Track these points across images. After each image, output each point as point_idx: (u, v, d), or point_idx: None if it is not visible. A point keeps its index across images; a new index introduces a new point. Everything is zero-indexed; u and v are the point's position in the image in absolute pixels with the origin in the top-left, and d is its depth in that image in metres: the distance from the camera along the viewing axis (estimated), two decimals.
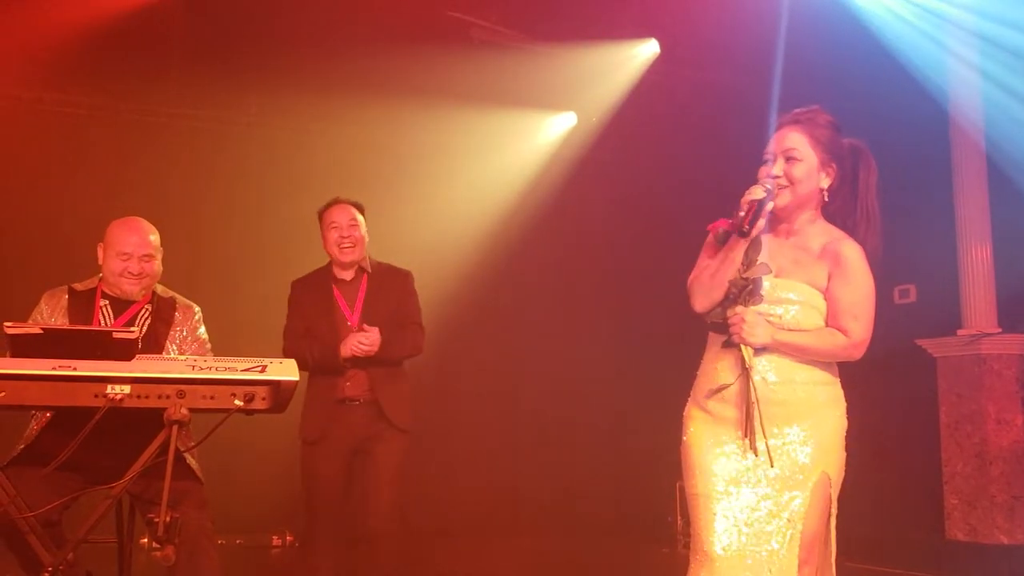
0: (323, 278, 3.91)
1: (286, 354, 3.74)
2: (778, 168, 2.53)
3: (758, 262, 2.47)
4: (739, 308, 2.45)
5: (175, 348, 3.25)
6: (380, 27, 6.16)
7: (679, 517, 6.40)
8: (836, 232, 2.56)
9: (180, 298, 3.38)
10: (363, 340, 3.66)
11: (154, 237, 3.30)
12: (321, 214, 3.92)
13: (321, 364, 3.72)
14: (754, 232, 2.47)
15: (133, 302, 3.26)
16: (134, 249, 3.22)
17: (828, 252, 2.52)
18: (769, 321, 2.45)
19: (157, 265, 3.29)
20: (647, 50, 6.76)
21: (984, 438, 5.56)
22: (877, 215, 2.56)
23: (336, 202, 3.90)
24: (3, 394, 2.36)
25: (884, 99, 5.68)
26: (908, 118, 5.64)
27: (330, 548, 3.74)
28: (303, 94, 6.55)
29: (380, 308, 3.82)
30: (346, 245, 3.80)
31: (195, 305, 3.40)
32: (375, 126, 6.97)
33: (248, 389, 2.48)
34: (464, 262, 6.85)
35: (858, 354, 2.50)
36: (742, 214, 2.47)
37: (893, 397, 5.89)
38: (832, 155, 2.53)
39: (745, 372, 2.44)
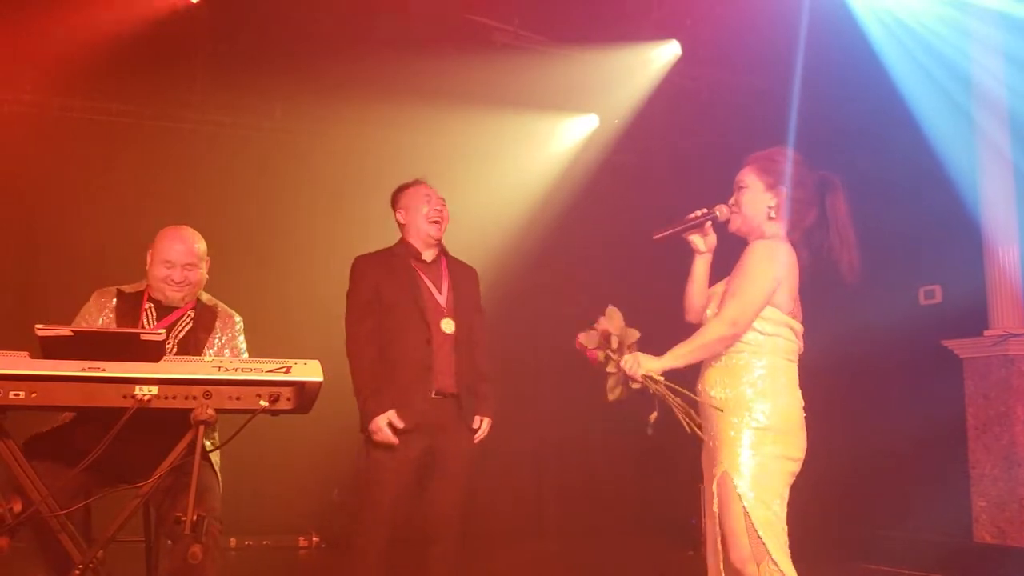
0: (399, 256, 3.69)
1: (351, 329, 3.60)
2: (733, 199, 2.95)
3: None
4: (623, 361, 2.77)
5: (212, 354, 3.29)
6: (402, 32, 6.20)
7: (702, 518, 6.38)
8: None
9: (223, 306, 3.43)
10: (479, 436, 3.62)
11: (199, 246, 3.37)
12: (403, 191, 3.77)
13: (358, 387, 3.54)
14: (663, 234, 2.92)
15: (176, 307, 3.33)
16: (177, 257, 3.29)
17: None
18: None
19: (201, 273, 3.37)
20: (668, 51, 6.74)
21: (1012, 439, 5.51)
22: (850, 235, 2.87)
23: (421, 182, 3.78)
24: (34, 395, 2.40)
25: (907, 99, 5.65)
26: (931, 117, 5.61)
27: (387, 544, 3.53)
28: (326, 99, 6.60)
29: (464, 293, 3.68)
30: (436, 219, 3.66)
31: (236, 314, 3.43)
32: (397, 130, 7.01)
33: (273, 390, 2.51)
34: (486, 264, 6.83)
35: (730, 331, 2.73)
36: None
37: (919, 399, 5.85)
38: (779, 180, 2.88)
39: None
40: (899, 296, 5.97)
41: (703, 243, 3.00)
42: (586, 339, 2.85)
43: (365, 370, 3.55)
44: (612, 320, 2.81)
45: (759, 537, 2.64)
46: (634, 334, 2.81)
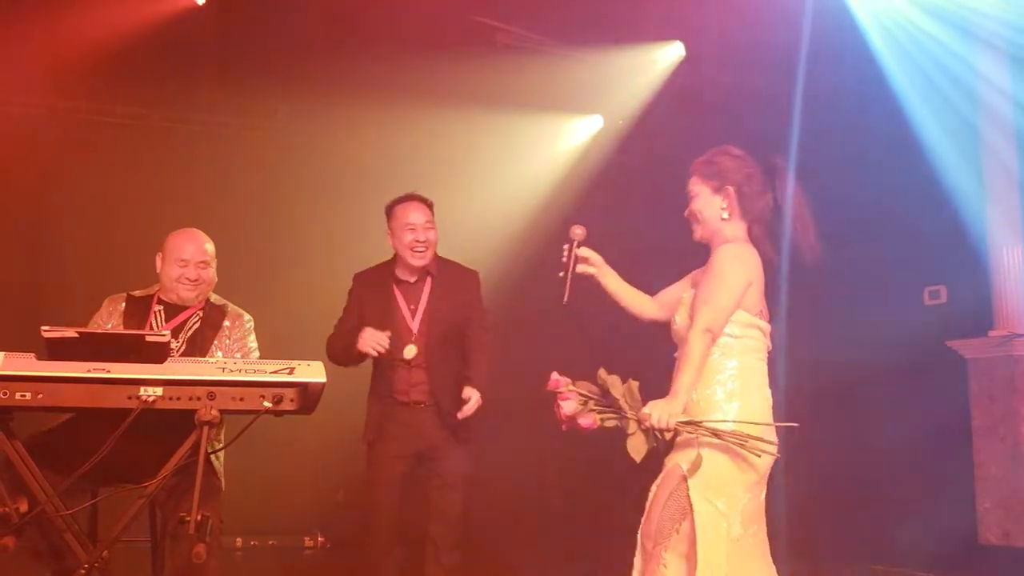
0: (385, 275, 3.79)
1: (329, 348, 3.76)
2: (687, 211, 2.95)
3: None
4: (641, 413, 2.63)
5: (219, 354, 3.32)
6: (407, 34, 6.21)
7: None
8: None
9: (232, 306, 3.46)
10: (467, 410, 3.57)
11: (209, 246, 3.44)
12: (392, 210, 3.77)
13: (342, 355, 3.69)
14: (565, 292, 2.90)
15: (185, 308, 3.36)
16: (191, 255, 3.35)
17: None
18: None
19: (212, 272, 3.42)
20: (672, 52, 6.75)
21: (1017, 440, 5.49)
22: (806, 217, 2.86)
23: (411, 199, 3.76)
24: (40, 396, 2.43)
25: (911, 98, 5.64)
26: (936, 117, 5.60)
27: (389, 550, 3.68)
28: (331, 100, 6.61)
29: (443, 312, 3.71)
30: (420, 249, 3.69)
31: (246, 314, 3.48)
32: (402, 131, 7.03)
33: (276, 391, 2.54)
34: (491, 266, 6.86)
35: (709, 339, 2.67)
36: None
37: (924, 399, 5.83)
38: (724, 180, 2.86)
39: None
40: (904, 296, 5.96)
41: (590, 266, 3.00)
42: (572, 410, 2.70)
43: (335, 340, 3.75)
44: (615, 386, 2.68)
45: (692, 526, 2.64)
46: (635, 385, 2.70)
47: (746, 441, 2.59)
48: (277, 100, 6.74)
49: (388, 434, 3.68)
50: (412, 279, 3.78)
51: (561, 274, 2.92)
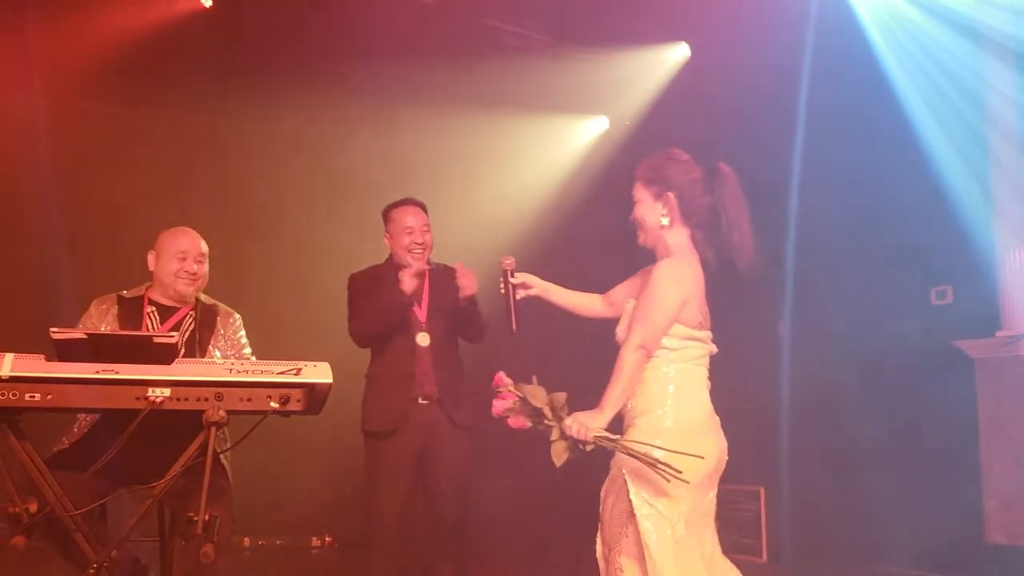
0: (387, 273, 3.86)
1: (357, 331, 3.79)
2: (631, 217, 2.98)
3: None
4: (563, 424, 2.72)
5: (218, 353, 3.35)
6: (413, 36, 6.24)
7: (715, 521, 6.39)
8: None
9: (222, 306, 3.49)
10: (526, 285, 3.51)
11: (204, 244, 3.47)
12: (390, 213, 3.90)
13: (385, 309, 3.72)
14: (513, 320, 3.07)
15: (178, 308, 3.37)
16: (189, 248, 3.39)
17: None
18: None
19: (207, 269, 3.43)
20: (677, 53, 6.77)
21: None
22: (743, 222, 2.83)
23: (408, 203, 3.88)
24: (49, 397, 2.46)
25: (916, 97, 5.64)
26: (941, 117, 5.60)
27: (396, 545, 3.70)
28: (338, 102, 6.65)
29: (445, 305, 3.81)
30: (417, 251, 3.81)
31: (235, 312, 3.51)
32: (409, 133, 7.05)
33: (283, 391, 2.56)
34: (497, 265, 6.89)
35: (642, 355, 2.73)
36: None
37: (930, 399, 5.82)
38: (665, 186, 2.86)
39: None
40: (910, 296, 5.95)
41: (528, 289, 3.11)
42: (503, 408, 2.81)
43: (364, 315, 3.77)
44: (537, 397, 2.78)
45: (637, 529, 2.68)
46: (561, 397, 2.79)
47: (656, 464, 2.60)
48: (284, 102, 6.78)
49: (402, 429, 3.72)
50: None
51: (510, 310, 3.08)
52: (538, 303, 3.23)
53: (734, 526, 6.28)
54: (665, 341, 2.76)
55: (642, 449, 2.64)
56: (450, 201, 6.96)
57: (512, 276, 3.10)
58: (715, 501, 2.85)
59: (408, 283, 3.65)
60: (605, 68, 6.81)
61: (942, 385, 5.78)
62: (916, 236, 5.76)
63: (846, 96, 5.92)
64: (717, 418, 2.87)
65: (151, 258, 3.42)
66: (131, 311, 3.34)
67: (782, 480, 6.16)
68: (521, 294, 3.13)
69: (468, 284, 3.69)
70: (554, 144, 7.55)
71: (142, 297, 3.40)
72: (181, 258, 3.36)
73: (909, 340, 5.66)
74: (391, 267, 3.88)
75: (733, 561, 2.90)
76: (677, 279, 2.78)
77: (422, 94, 6.55)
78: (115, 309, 3.34)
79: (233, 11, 6.20)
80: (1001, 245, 5.62)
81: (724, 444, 2.86)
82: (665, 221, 2.86)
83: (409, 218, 3.84)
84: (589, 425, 2.67)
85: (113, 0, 5.89)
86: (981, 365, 5.75)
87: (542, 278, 3.25)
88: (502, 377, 2.84)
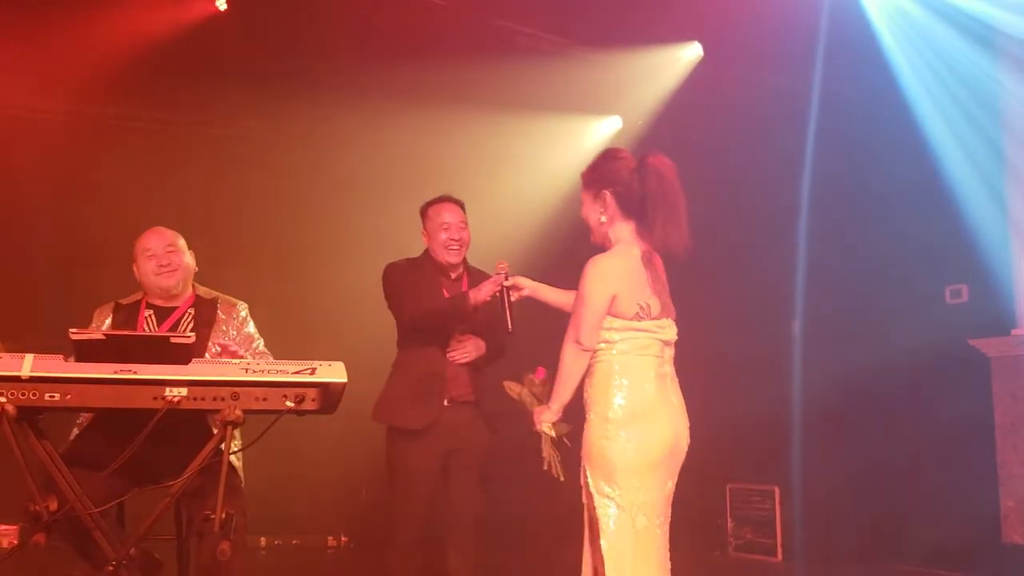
0: (427, 267, 3.86)
1: (412, 314, 3.74)
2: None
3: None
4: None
5: (218, 349, 3.34)
6: (427, 38, 6.26)
7: (729, 519, 6.38)
8: None
9: (223, 297, 3.50)
10: (517, 287, 3.51)
11: (174, 235, 3.50)
12: (427, 210, 3.90)
13: (447, 309, 3.71)
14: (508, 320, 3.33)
15: (175, 308, 3.40)
16: (156, 244, 3.41)
17: None
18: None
19: (186, 259, 3.45)
20: (691, 53, 6.77)
21: None
22: (676, 211, 2.86)
23: (445, 200, 3.89)
24: (69, 396, 2.49)
25: (929, 96, 5.63)
26: (956, 115, 5.58)
27: (415, 545, 3.68)
28: (352, 104, 6.67)
29: (484, 309, 3.71)
30: (454, 247, 3.81)
31: (240, 302, 3.51)
32: (423, 134, 7.07)
33: (299, 391, 2.58)
34: (513, 264, 6.87)
35: (578, 349, 2.85)
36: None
37: (946, 398, 5.80)
38: (601, 185, 2.96)
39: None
40: (925, 295, 5.93)
41: (521, 291, 3.34)
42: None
43: (430, 306, 3.75)
44: (511, 389, 3.07)
45: (596, 518, 2.79)
46: (535, 380, 3.05)
47: (544, 460, 2.91)
48: (300, 104, 6.81)
49: (433, 429, 3.68)
50: (454, 275, 3.88)
51: (504, 310, 3.31)
52: (530, 302, 3.39)
53: (749, 525, 6.27)
54: (606, 335, 2.84)
55: (555, 435, 2.92)
56: (464, 200, 6.98)
57: (506, 279, 3.31)
58: (672, 492, 2.93)
59: (482, 294, 3.56)
60: (618, 68, 6.81)
61: (957, 384, 5.76)
62: (930, 235, 5.74)
63: (859, 95, 5.91)
64: (677, 406, 2.93)
65: (135, 269, 3.47)
66: (127, 316, 3.37)
67: (797, 479, 6.15)
68: (514, 296, 3.34)
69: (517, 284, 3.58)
70: (567, 144, 7.55)
71: (139, 302, 3.43)
72: (150, 256, 3.39)
73: (924, 339, 5.64)
74: (429, 262, 3.87)
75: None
76: (601, 275, 2.86)
77: (433, 96, 6.57)
78: (111, 317, 3.38)
79: (248, 13, 6.24)
80: (1016, 243, 5.60)
81: (682, 433, 2.92)
82: (603, 219, 2.96)
83: (446, 214, 3.85)
84: (540, 419, 2.93)
85: (129, 4, 5.93)
86: (997, 364, 5.72)
87: (555, 278, 3.33)
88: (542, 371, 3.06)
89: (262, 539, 6.22)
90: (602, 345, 2.85)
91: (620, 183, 2.92)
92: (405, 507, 3.69)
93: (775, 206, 6.31)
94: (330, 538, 6.59)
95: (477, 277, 3.88)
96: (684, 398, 2.99)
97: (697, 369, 6.47)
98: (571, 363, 2.85)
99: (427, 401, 3.71)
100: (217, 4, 6.21)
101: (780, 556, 6.04)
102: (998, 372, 5.71)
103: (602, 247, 2.99)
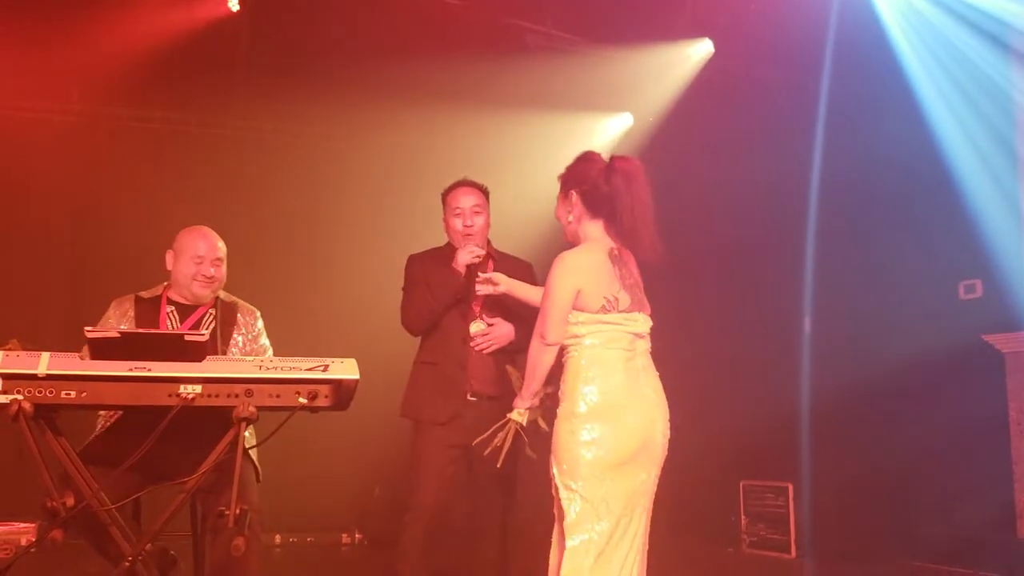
0: (447, 256, 3.75)
1: (411, 312, 3.72)
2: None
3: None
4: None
5: (236, 351, 3.38)
6: (437, 37, 6.28)
7: (743, 515, 6.37)
8: None
9: (242, 303, 3.52)
10: (493, 281, 3.56)
11: (221, 245, 3.49)
12: (445, 197, 3.85)
13: (430, 302, 3.67)
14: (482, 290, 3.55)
15: (198, 307, 3.42)
16: (207, 253, 3.41)
17: None
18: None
19: (225, 271, 3.46)
20: (701, 49, 6.76)
21: None
22: (643, 214, 2.92)
23: (461, 184, 3.83)
24: (84, 394, 2.51)
25: (940, 91, 5.60)
26: (968, 110, 5.55)
27: (429, 539, 3.60)
28: (363, 103, 6.69)
29: (504, 296, 3.65)
30: (467, 233, 3.74)
31: (257, 310, 3.54)
32: (434, 133, 7.09)
33: (312, 388, 2.59)
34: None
35: (544, 343, 2.95)
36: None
37: (960, 394, 5.78)
38: (569, 185, 3.07)
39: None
40: (939, 290, 5.91)
41: (497, 287, 3.50)
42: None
43: (416, 302, 3.75)
44: (513, 376, 3.27)
45: (561, 513, 2.85)
46: (514, 373, 3.23)
47: (491, 445, 3.11)
48: (311, 104, 6.84)
49: (457, 423, 3.62)
50: (476, 262, 3.77)
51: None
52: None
53: (762, 522, 6.27)
54: (573, 329, 2.91)
55: (524, 422, 3.08)
56: None
57: (481, 272, 3.46)
58: (653, 484, 2.93)
59: (461, 258, 3.59)
60: (629, 65, 6.81)
61: (971, 380, 5.74)
62: (944, 230, 5.72)
63: (870, 91, 5.90)
64: (651, 398, 2.93)
65: (169, 257, 3.45)
66: (149, 311, 3.37)
67: (810, 476, 6.14)
68: (489, 290, 3.50)
69: (495, 285, 3.58)
70: (578, 141, 7.52)
71: (160, 297, 3.43)
72: (198, 262, 3.38)
73: (938, 335, 5.62)
74: (450, 250, 3.80)
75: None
76: (565, 270, 2.93)
77: (445, 94, 6.58)
78: (133, 310, 3.37)
79: (261, 15, 6.27)
80: None
81: (656, 425, 2.92)
82: (571, 218, 3.06)
83: (460, 199, 3.80)
84: (517, 409, 3.08)
85: (142, 6, 5.97)
86: (1011, 359, 5.70)
87: None
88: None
89: (277, 536, 6.25)
90: (571, 340, 2.92)
91: (587, 183, 3.01)
92: (417, 493, 3.62)
93: (786, 203, 6.31)
94: (344, 535, 6.61)
95: (504, 262, 3.84)
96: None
97: (710, 367, 6.53)
98: (535, 356, 2.96)
99: (449, 395, 3.65)
100: (229, 5, 6.24)
101: (794, 553, 6.03)
102: (1012, 368, 5.68)
103: (573, 245, 3.07)
